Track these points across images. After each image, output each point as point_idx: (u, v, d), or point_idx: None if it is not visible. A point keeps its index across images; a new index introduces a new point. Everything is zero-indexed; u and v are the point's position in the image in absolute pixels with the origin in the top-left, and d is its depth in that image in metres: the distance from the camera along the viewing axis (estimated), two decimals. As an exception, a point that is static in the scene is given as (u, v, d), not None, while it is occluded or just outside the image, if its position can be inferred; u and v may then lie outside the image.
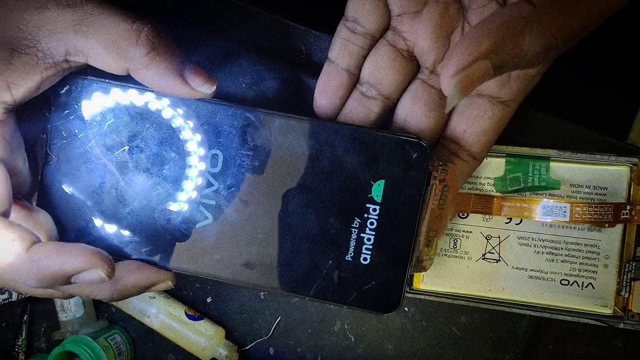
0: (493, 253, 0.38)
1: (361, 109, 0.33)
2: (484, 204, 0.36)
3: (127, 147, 0.31)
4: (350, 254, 0.30)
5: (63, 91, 0.31)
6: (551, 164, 0.36)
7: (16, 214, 0.30)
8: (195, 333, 0.41)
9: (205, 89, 0.29)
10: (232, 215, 0.31)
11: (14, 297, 0.44)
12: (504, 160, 0.37)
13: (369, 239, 0.30)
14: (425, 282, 0.38)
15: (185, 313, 0.42)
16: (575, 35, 0.25)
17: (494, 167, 0.37)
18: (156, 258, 0.32)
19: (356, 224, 0.30)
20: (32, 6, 0.28)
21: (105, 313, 0.45)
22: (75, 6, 0.28)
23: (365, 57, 0.33)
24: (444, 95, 0.30)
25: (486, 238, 0.38)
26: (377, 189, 0.30)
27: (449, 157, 0.32)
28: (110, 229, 0.32)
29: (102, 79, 0.31)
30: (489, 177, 0.37)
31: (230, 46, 0.38)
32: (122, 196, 0.32)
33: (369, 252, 0.30)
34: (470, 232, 0.38)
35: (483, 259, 0.38)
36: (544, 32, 0.24)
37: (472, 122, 0.32)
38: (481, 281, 0.38)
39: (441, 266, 0.38)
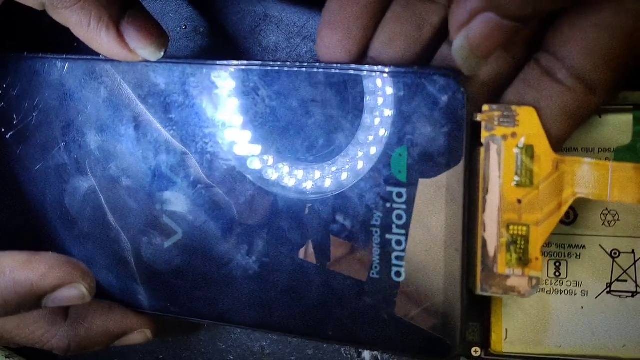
0: (626, 281, 0.22)
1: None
2: None
3: None
4: (376, 268, 0.21)
5: None
6: None
7: None
8: None
9: (147, 54, 0.22)
10: None
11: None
12: (630, 117, 0.21)
13: (399, 242, 0.20)
14: (511, 339, 0.22)
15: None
16: None
17: (613, 130, 0.21)
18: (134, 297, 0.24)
19: (377, 221, 0.20)
20: None
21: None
22: None
23: None
24: None
25: (611, 255, 0.22)
26: (399, 162, 0.20)
27: (540, 83, 0.19)
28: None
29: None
30: (606, 148, 0.21)
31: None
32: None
33: (402, 263, 0.20)
34: (583, 246, 0.22)
35: (609, 292, 0.22)
36: None
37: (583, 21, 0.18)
38: (609, 332, 0.22)
39: (536, 310, 0.22)
